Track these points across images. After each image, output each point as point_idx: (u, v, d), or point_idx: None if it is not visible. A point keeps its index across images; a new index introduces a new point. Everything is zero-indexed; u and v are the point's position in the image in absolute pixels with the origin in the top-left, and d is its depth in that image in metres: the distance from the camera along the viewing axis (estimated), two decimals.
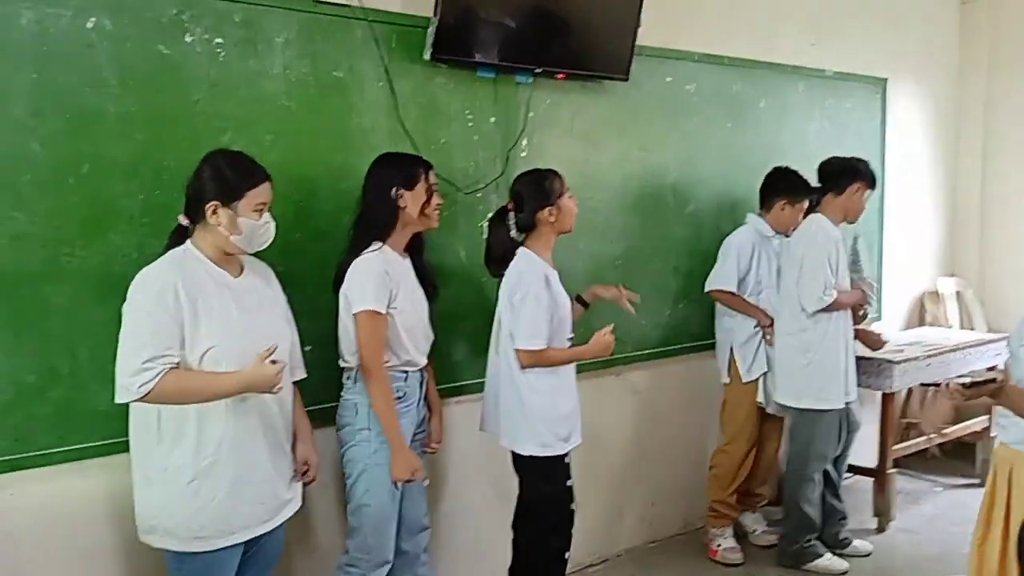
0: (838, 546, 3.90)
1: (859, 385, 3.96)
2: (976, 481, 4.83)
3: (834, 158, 3.74)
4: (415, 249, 2.78)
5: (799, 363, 3.65)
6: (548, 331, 2.85)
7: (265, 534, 2.34)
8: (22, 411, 2.37)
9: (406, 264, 2.73)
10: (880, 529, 4.24)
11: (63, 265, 2.40)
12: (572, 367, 2.98)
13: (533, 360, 2.85)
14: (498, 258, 2.96)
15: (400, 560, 2.79)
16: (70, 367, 2.42)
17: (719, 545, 3.87)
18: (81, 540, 2.47)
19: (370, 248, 2.62)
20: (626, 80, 3.52)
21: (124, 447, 2.30)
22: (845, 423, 3.82)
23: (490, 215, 3.10)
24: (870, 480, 4.35)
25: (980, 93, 5.42)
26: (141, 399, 2.11)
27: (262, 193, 2.26)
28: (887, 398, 4.26)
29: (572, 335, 2.99)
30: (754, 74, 4.19)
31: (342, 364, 2.68)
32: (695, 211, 3.99)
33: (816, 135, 4.51)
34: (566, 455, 2.96)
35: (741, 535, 4.01)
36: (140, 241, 2.47)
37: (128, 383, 2.11)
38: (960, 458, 5.10)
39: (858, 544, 3.97)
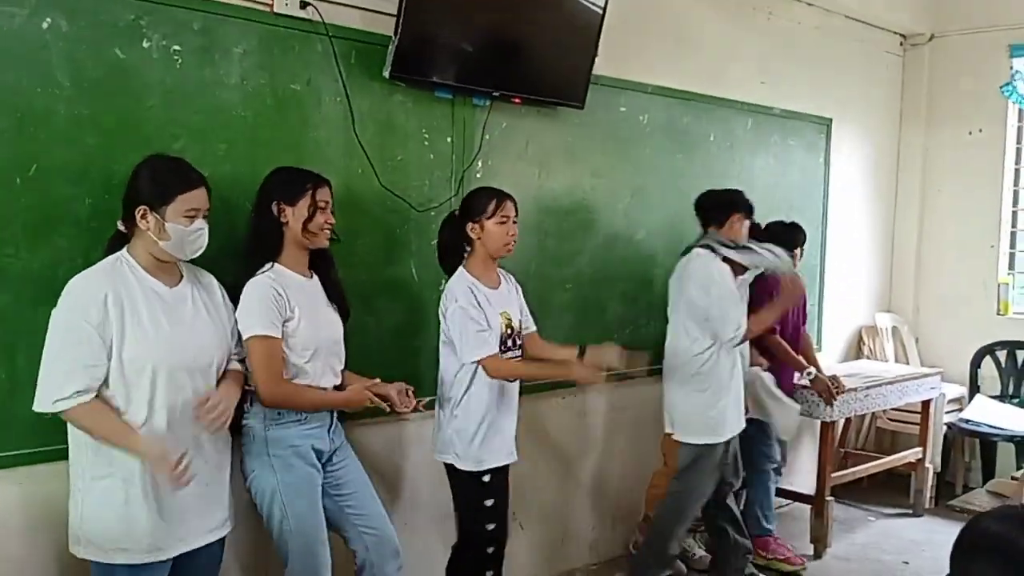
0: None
1: (801, 414, 4.06)
2: (908, 511, 4.96)
3: (710, 191, 3.70)
4: (321, 267, 2.68)
5: (683, 396, 3.55)
6: (492, 338, 2.87)
7: (197, 550, 2.31)
8: None
9: (309, 284, 2.63)
10: (816, 555, 4.31)
11: (5, 267, 2.35)
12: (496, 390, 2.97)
13: (496, 367, 2.86)
14: (444, 255, 3.03)
15: None
16: (7, 372, 2.36)
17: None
18: (13, 548, 2.40)
19: (262, 269, 2.52)
20: (581, 108, 3.58)
21: (61, 454, 2.27)
22: (730, 458, 3.66)
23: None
24: (807, 507, 4.42)
25: (919, 136, 5.63)
26: (51, 415, 2.12)
27: (194, 198, 2.24)
28: (825, 427, 4.35)
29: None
30: (704, 108, 4.29)
31: (246, 387, 2.56)
32: (644, 238, 4.06)
33: (762, 170, 4.63)
34: (485, 473, 2.94)
35: (681, 557, 4.02)
36: (86, 246, 2.42)
37: (45, 396, 2.12)
38: (893, 488, 5.22)
39: None
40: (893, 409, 5.09)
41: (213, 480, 2.35)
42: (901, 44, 5.61)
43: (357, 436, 2.98)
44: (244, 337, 2.46)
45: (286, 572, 2.60)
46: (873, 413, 5.21)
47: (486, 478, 2.93)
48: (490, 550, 2.96)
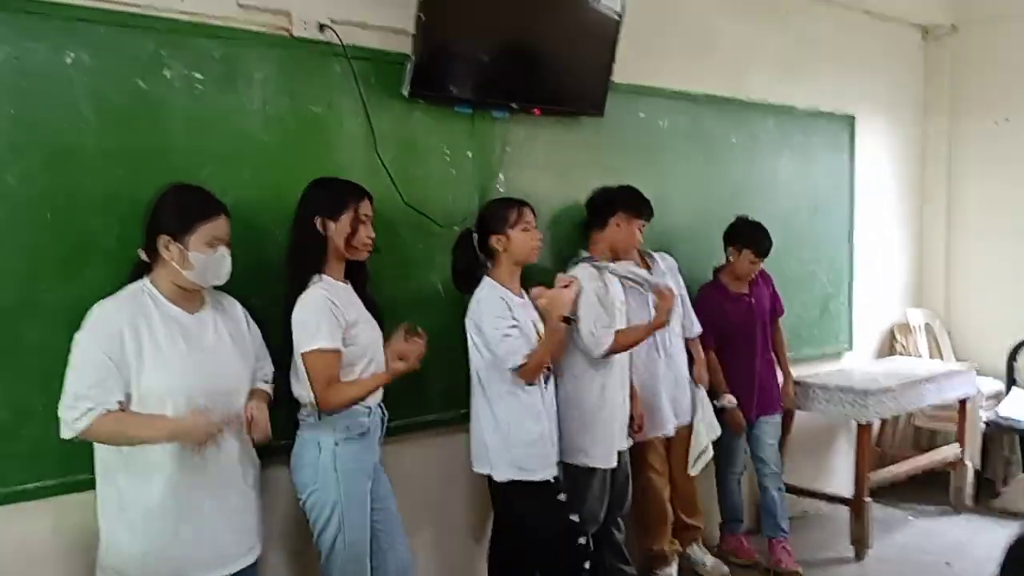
0: None
1: (836, 414, 4.03)
2: (949, 509, 4.89)
3: (598, 190, 3.53)
4: (356, 280, 2.70)
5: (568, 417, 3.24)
6: (524, 345, 2.88)
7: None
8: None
9: (349, 290, 2.66)
10: (858, 557, 4.26)
11: (39, 299, 2.38)
12: (540, 393, 3.00)
13: (525, 374, 2.89)
14: (460, 275, 3.06)
15: None
16: (43, 402, 2.38)
17: None
18: (57, 572, 2.44)
19: (311, 281, 2.55)
20: (601, 116, 3.58)
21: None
22: (607, 484, 3.35)
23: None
24: (847, 509, 4.37)
25: (944, 129, 5.56)
26: (78, 436, 2.14)
27: (216, 227, 2.26)
28: (862, 428, 4.30)
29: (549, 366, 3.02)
30: (725, 111, 4.27)
31: (302, 402, 2.60)
32: (668, 244, 4.03)
33: (786, 170, 4.60)
34: (552, 481, 2.96)
35: (691, 570, 3.97)
36: (116, 275, 2.42)
37: (63, 419, 2.15)
38: (933, 486, 5.14)
39: None
40: (930, 407, 5.02)
41: (240, 508, 2.37)
42: (923, 37, 5.55)
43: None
44: (301, 351, 2.49)
45: None
46: (909, 412, 5.13)
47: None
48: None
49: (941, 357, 5.42)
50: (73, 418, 2.13)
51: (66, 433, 2.16)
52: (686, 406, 3.77)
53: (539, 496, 2.97)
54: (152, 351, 2.19)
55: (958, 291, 5.60)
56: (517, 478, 2.95)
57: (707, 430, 3.79)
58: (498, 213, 3.03)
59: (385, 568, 2.74)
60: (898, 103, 5.39)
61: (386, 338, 2.71)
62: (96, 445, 2.24)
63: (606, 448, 3.25)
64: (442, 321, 3.20)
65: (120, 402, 2.16)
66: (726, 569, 3.95)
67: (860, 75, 5.04)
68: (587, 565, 2.98)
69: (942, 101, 5.55)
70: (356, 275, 2.71)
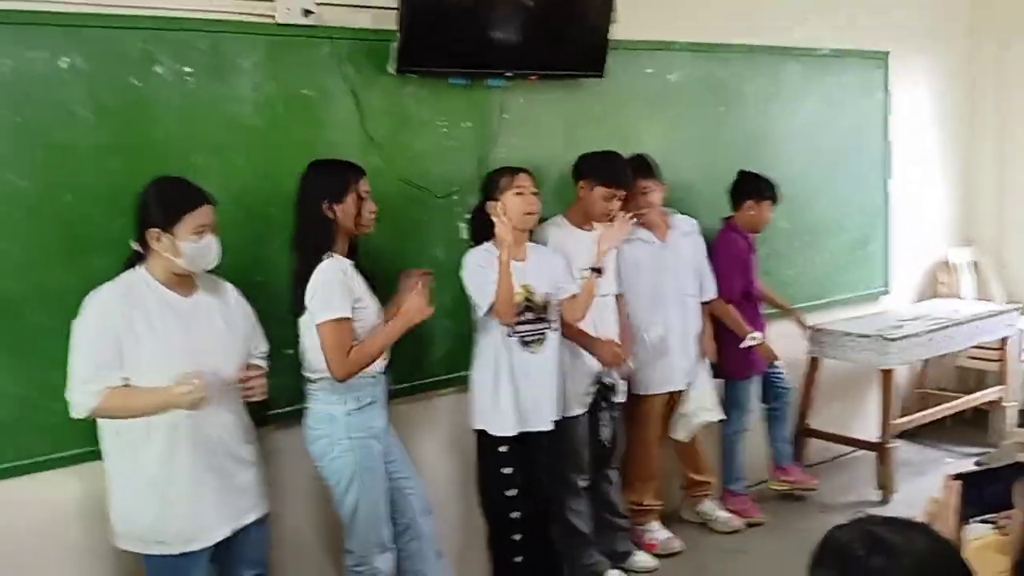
0: (619, 560, 3.62)
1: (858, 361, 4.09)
2: (992, 449, 4.82)
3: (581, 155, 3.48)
4: (353, 256, 2.82)
5: None
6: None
7: (235, 535, 2.53)
8: (22, 423, 2.60)
9: (353, 267, 2.78)
10: (883, 501, 4.28)
11: (48, 287, 2.60)
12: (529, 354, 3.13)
13: (497, 314, 3.05)
14: (477, 243, 3.20)
15: (407, 545, 2.93)
16: (59, 380, 2.60)
17: (654, 539, 3.81)
18: (72, 537, 2.70)
19: (324, 258, 2.69)
20: (601, 76, 3.59)
21: None
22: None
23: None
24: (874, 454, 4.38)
25: (992, 53, 5.31)
26: (89, 414, 2.34)
27: (201, 215, 2.41)
28: (886, 373, 4.28)
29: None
30: (740, 58, 4.21)
31: (311, 376, 2.77)
32: (684, 196, 4.03)
33: (810, 115, 4.51)
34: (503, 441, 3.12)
35: (703, 524, 4.05)
36: (118, 263, 2.56)
37: (75, 399, 2.34)
38: (977, 427, 5.08)
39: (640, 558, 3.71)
40: (973, 347, 4.93)
41: (238, 472, 2.55)
42: None
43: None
44: (316, 322, 2.65)
45: (352, 543, 2.82)
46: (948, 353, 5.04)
47: (502, 448, 3.12)
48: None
49: (990, 298, 5.28)
50: (81, 398, 2.34)
51: (77, 413, 2.37)
52: (695, 368, 3.82)
53: (487, 457, 3.18)
54: (148, 334, 2.37)
55: (1011, 227, 5.41)
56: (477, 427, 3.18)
57: (700, 409, 3.80)
58: (494, 180, 3.14)
59: (411, 510, 2.92)
60: (938, 33, 5.17)
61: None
62: (99, 420, 2.44)
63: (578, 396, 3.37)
64: (444, 287, 3.32)
65: (123, 379, 2.35)
66: (740, 522, 4.01)
67: (893, 9, 4.85)
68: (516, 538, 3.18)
69: (990, 24, 5.29)
70: (352, 252, 2.84)
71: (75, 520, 2.70)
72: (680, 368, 3.74)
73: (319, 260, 2.69)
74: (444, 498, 3.39)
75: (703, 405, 3.79)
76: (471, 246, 3.20)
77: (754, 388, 4.14)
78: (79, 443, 2.65)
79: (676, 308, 3.72)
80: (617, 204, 3.36)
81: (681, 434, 3.83)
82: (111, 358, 2.33)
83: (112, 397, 2.34)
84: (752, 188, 3.98)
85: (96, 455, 2.65)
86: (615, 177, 3.35)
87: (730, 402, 4.03)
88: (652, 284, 3.66)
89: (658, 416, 3.79)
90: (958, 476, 1.80)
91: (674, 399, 3.82)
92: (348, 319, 2.66)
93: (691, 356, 3.80)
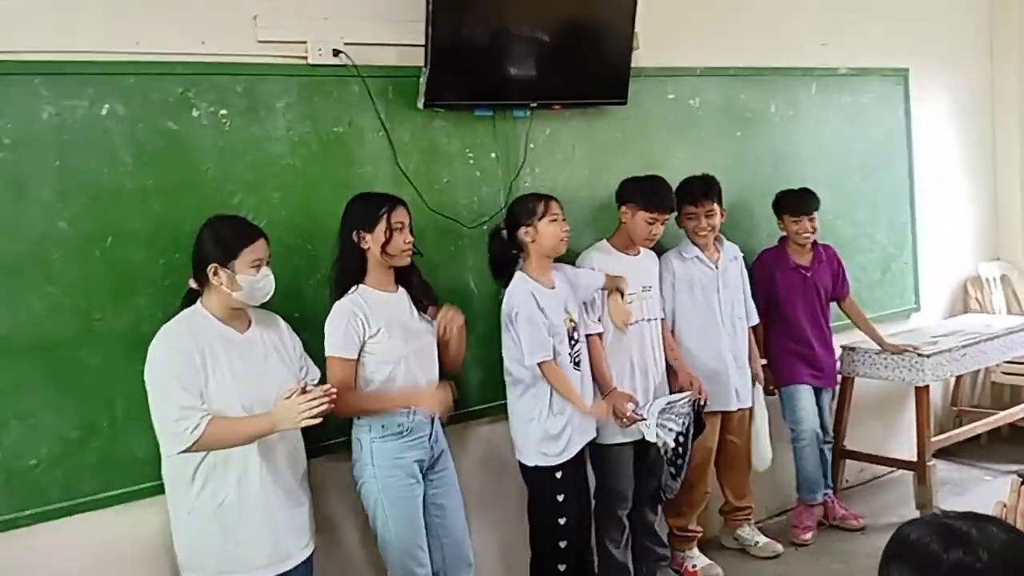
0: None
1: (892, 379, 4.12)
2: None
3: (624, 180, 3.51)
4: (405, 280, 2.88)
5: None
6: (547, 340, 3.05)
7: (292, 570, 2.58)
8: (69, 462, 2.64)
9: (394, 298, 2.84)
10: None
11: (95, 329, 2.66)
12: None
13: (544, 372, 3.06)
14: (495, 269, 3.24)
15: None
16: (108, 421, 2.68)
17: (694, 566, 3.78)
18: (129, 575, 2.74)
19: (348, 292, 2.75)
20: (624, 103, 3.63)
21: (160, 489, 2.59)
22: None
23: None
24: (912, 473, 4.34)
25: (1014, 71, 5.32)
26: (190, 446, 2.37)
27: (256, 250, 2.49)
28: (920, 391, 4.25)
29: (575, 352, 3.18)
30: (761, 81, 4.25)
31: None
32: None
33: (833, 134, 4.53)
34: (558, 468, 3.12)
35: (742, 550, 4.02)
36: (164, 302, 2.68)
37: (176, 433, 2.37)
38: (1014, 443, 5.02)
39: None
40: (1007, 362, 4.89)
41: (291, 505, 2.60)
42: None
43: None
44: (326, 354, 2.73)
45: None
46: (984, 368, 5.01)
47: (559, 474, 3.11)
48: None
49: (1020, 310, 5.24)
50: (186, 429, 2.35)
51: (178, 447, 2.38)
52: (746, 390, 3.83)
53: (543, 484, 3.16)
54: (213, 368, 2.44)
55: None
56: (536, 463, 3.15)
57: (766, 436, 3.87)
58: (525, 206, 3.17)
59: (440, 560, 2.92)
60: (959, 50, 5.19)
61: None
62: (163, 456, 2.49)
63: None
64: (478, 316, 3.36)
65: (205, 408, 2.39)
66: (779, 547, 3.97)
67: (912, 26, 4.88)
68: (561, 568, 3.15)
69: (1011, 42, 5.30)
70: (404, 276, 2.89)
71: (129, 557, 2.74)
72: (732, 388, 3.76)
73: (345, 293, 2.75)
74: (479, 528, 3.40)
75: (760, 446, 3.86)
76: (503, 282, 3.21)
77: (805, 395, 4.09)
78: (124, 482, 2.71)
79: (727, 330, 3.75)
80: (660, 228, 3.41)
81: (759, 465, 3.91)
82: (193, 391, 2.39)
83: (212, 431, 2.37)
84: (778, 205, 4.04)
85: (142, 493, 2.72)
86: (658, 202, 3.39)
87: (783, 411, 4.08)
88: (704, 305, 3.70)
89: (711, 436, 3.77)
90: None
91: (727, 420, 3.82)
92: (345, 359, 2.71)
93: (744, 378, 3.81)
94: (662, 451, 3.26)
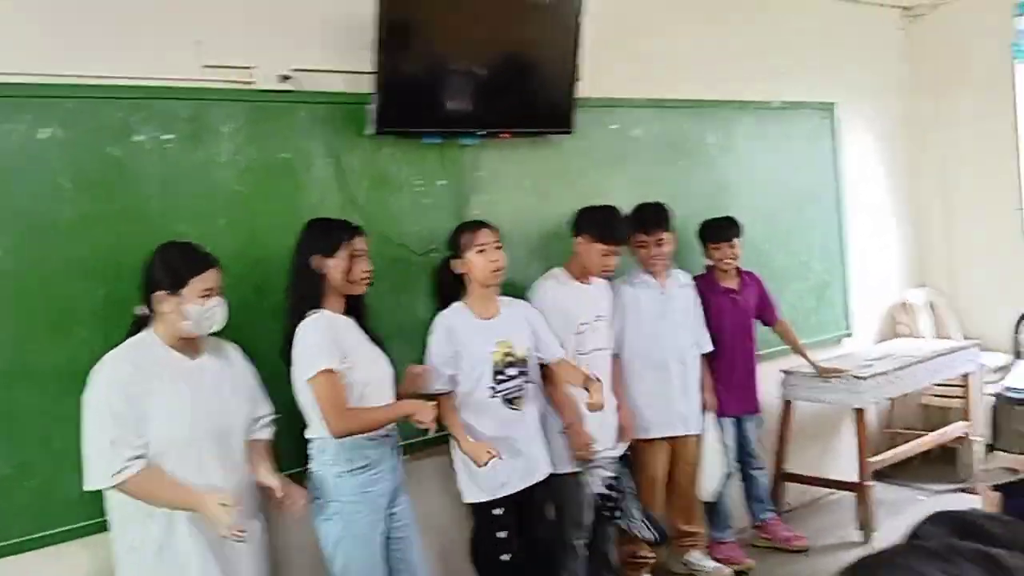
0: None
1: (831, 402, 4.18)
2: (960, 486, 4.91)
3: (580, 209, 3.55)
4: (357, 314, 2.82)
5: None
6: (443, 376, 3.04)
7: None
8: (5, 502, 2.51)
9: (351, 324, 2.78)
10: (865, 541, 4.32)
11: (31, 362, 2.54)
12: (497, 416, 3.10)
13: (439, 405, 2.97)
14: (443, 297, 3.21)
15: None
16: (46, 458, 2.55)
17: None
18: None
19: (308, 315, 2.68)
20: (569, 133, 3.67)
21: (102, 527, 2.47)
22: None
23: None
24: (852, 494, 4.43)
25: (933, 107, 5.55)
26: (112, 486, 2.28)
27: (207, 279, 2.42)
28: (860, 413, 4.35)
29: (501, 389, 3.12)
30: (700, 113, 4.34)
31: (307, 436, 2.74)
32: None
33: (767, 165, 4.65)
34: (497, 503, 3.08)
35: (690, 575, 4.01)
36: (105, 333, 2.57)
37: (100, 471, 2.28)
38: (945, 463, 5.17)
39: None
40: (936, 384, 5.05)
41: (246, 540, 2.47)
42: (904, 16, 5.57)
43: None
44: (305, 378, 2.61)
45: None
46: (914, 391, 5.16)
47: (496, 510, 3.08)
48: None
49: (948, 335, 5.43)
50: (113, 468, 2.27)
51: (99, 483, 2.30)
52: (695, 417, 3.85)
53: (481, 522, 3.14)
54: (159, 395, 2.36)
55: (960, 267, 5.59)
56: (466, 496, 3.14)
57: (715, 465, 3.89)
58: (457, 238, 3.15)
59: None
60: (881, 86, 5.41)
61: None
62: (108, 493, 2.38)
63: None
64: (421, 346, 3.30)
65: (139, 447, 2.31)
66: (728, 571, 3.98)
67: (838, 62, 5.06)
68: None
69: (927, 79, 5.55)
70: (356, 310, 2.83)
71: None
72: (679, 414, 3.77)
73: (303, 317, 2.67)
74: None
75: (711, 476, 3.88)
76: (437, 308, 3.20)
77: (729, 429, 4.14)
78: (60, 523, 2.58)
79: (674, 354, 3.77)
80: (615, 260, 3.42)
81: (705, 494, 3.92)
82: (128, 428, 2.30)
83: (139, 480, 2.30)
84: (702, 233, 4.10)
85: (78, 533, 2.59)
86: (613, 234, 3.40)
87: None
88: (652, 328, 3.71)
89: (660, 462, 3.78)
90: (996, 488, 1.84)
91: (676, 446, 3.82)
92: (336, 371, 2.62)
93: (692, 404, 3.83)
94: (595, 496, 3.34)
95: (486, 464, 2.93)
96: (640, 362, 3.71)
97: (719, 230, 4.08)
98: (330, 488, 2.68)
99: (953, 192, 5.57)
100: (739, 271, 4.16)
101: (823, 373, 4.33)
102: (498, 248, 3.11)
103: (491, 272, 3.08)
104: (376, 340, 2.84)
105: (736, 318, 4.11)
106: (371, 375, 2.75)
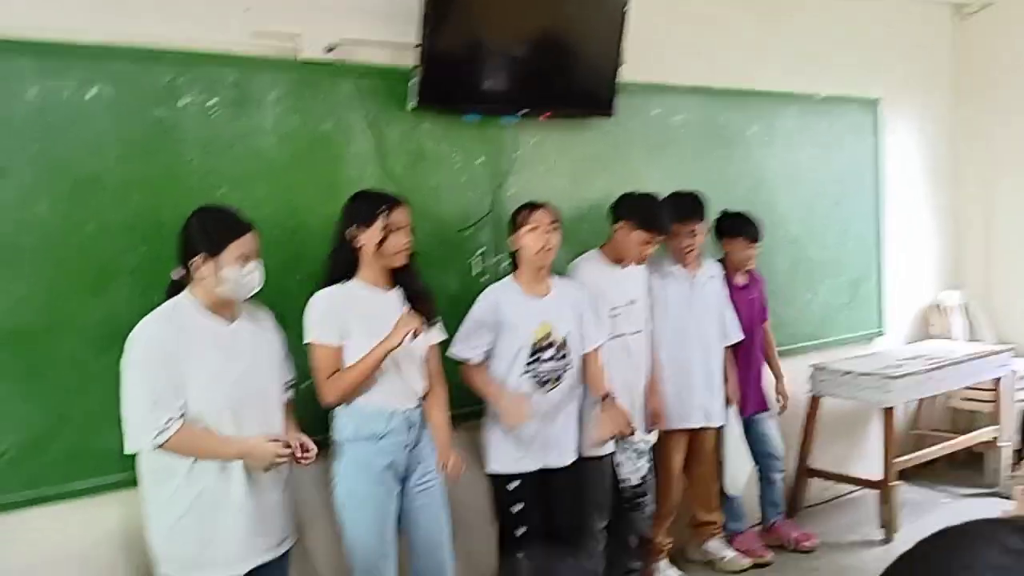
0: None
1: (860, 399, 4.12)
2: (985, 490, 4.87)
3: (623, 194, 3.51)
4: (404, 281, 2.81)
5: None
6: (478, 343, 3.06)
7: (263, 566, 2.51)
8: (37, 453, 2.56)
9: (384, 297, 2.77)
10: (886, 540, 4.29)
11: (71, 319, 2.59)
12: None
13: (463, 371, 3.07)
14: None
15: None
16: (83, 411, 2.60)
17: None
18: (95, 569, 2.66)
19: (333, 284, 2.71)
20: (609, 116, 3.66)
21: (134, 482, 2.51)
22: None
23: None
24: (874, 493, 4.40)
25: (980, 107, 5.46)
26: (155, 447, 2.31)
27: (244, 244, 2.43)
28: (887, 412, 4.32)
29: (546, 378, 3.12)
30: (742, 102, 4.30)
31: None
32: None
33: (808, 158, 4.61)
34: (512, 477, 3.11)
35: (709, 563, 4.01)
36: (142, 293, 2.62)
37: (142, 434, 2.31)
38: (971, 468, 5.12)
39: None
40: (966, 388, 4.99)
41: (269, 503, 2.54)
42: (954, 14, 5.47)
43: None
44: (304, 341, 2.69)
45: None
46: (943, 394, 5.11)
47: (510, 485, 3.10)
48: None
49: (981, 339, 5.36)
50: (155, 430, 2.30)
51: (142, 445, 2.34)
52: (717, 409, 3.82)
53: (499, 495, 3.16)
54: (194, 359, 2.38)
55: (997, 271, 5.51)
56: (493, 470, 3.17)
57: (741, 457, 3.90)
58: (514, 217, 3.16)
59: (417, 568, 2.86)
60: (927, 84, 5.33)
61: None
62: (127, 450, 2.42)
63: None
64: (455, 321, 3.32)
65: (180, 407, 2.34)
66: (747, 561, 3.97)
67: (885, 58, 5.00)
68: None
69: (977, 79, 5.46)
70: (401, 277, 2.82)
71: (98, 549, 2.66)
72: (700, 406, 3.75)
73: (336, 282, 2.72)
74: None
75: (740, 469, 3.88)
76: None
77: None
78: (95, 475, 2.63)
79: (699, 346, 3.75)
80: (652, 249, 3.42)
81: (732, 488, 3.92)
82: (168, 390, 2.33)
83: (180, 438, 2.33)
84: (721, 228, 4.01)
85: (112, 487, 2.64)
86: (656, 223, 3.38)
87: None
88: (678, 320, 3.69)
89: (679, 453, 3.77)
90: None
91: (695, 438, 3.81)
92: (328, 345, 2.66)
93: (715, 396, 3.80)
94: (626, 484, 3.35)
95: (517, 427, 3.01)
96: (664, 353, 3.68)
97: (746, 228, 3.97)
98: (339, 452, 2.76)
99: (995, 194, 5.47)
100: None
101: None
102: (554, 230, 3.10)
103: (538, 252, 3.07)
104: (422, 308, 2.79)
105: (748, 314, 4.07)
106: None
